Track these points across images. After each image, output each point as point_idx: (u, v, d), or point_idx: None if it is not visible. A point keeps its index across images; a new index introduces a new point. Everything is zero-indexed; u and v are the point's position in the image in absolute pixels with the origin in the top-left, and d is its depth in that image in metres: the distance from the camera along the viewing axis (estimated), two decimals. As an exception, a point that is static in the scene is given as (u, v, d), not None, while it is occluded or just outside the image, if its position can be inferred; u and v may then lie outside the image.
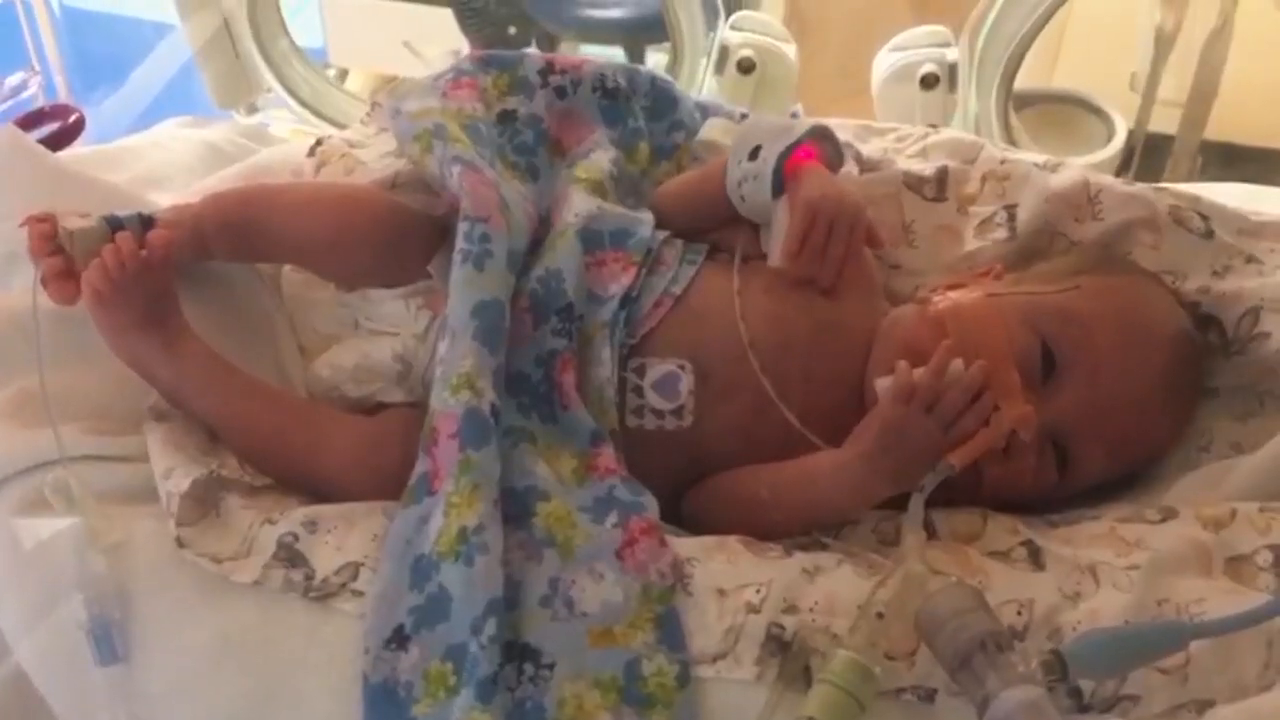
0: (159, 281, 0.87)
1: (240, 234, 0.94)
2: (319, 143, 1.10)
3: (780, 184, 0.92)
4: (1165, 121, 2.00)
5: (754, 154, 0.93)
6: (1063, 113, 2.00)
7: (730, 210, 0.97)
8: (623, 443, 0.87)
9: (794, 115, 0.94)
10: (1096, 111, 1.97)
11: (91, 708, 0.78)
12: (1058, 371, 0.84)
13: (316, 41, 2.08)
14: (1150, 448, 0.89)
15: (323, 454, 0.86)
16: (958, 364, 0.80)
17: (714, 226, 0.99)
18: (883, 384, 0.82)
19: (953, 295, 0.91)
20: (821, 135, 0.96)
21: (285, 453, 0.87)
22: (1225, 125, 2.01)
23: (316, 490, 0.86)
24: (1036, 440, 0.83)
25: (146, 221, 0.90)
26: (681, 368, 0.89)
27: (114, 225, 0.88)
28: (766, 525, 0.83)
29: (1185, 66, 1.91)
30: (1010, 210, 0.99)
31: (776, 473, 0.85)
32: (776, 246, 0.91)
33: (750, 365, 0.88)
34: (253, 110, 1.68)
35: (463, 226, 0.87)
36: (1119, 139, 1.86)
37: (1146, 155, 2.03)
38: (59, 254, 0.86)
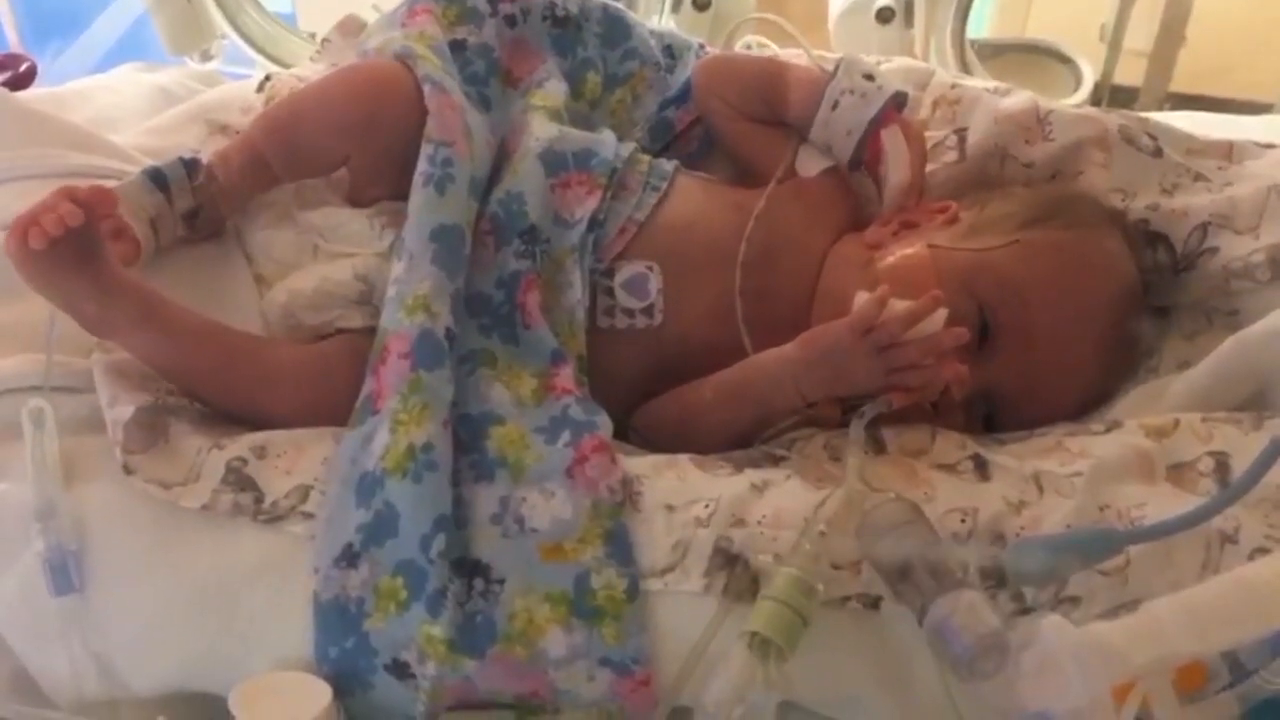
0: (89, 232, 0.79)
1: (288, 138, 0.93)
2: (268, 78, 1.08)
3: (881, 119, 0.94)
4: (1136, 73, 2.00)
5: (869, 77, 0.96)
6: (1032, 62, 2.00)
7: (781, 114, 0.98)
8: (593, 346, 0.88)
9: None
10: (1065, 61, 1.97)
11: (47, 642, 0.78)
12: (992, 337, 0.85)
13: (286, 6, 2.08)
14: (1082, 406, 0.89)
15: (269, 388, 0.84)
16: (937, 319, 0.80)
17: (746, 121, 1.01)
18: (861, 297, 0.83)
19: (897, 249, 0.91)
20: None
21: (229, 390, 0.85)
22: (1192, 76, 2.02)
23: (266, 425, 0.83)
24: (967, 399, 0.84)
25: (190, 164, 0.90)
26: (650, 269, 0.91)
27: (154, 177, 0.88)
28: (712, 426, 0.85)
29: (1154, 16, 1.91)
30: (960, 134, 1.00)
31: (720, 374, 0.87)
32: (901, 169, 0.94)
33: (715, 273, 0.90)
34: (207, 58, 1.67)
35: (426, 148, 0.87)
36: (1086, 87, 1.87)
37: (1114, 104, 2.03)
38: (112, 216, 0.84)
